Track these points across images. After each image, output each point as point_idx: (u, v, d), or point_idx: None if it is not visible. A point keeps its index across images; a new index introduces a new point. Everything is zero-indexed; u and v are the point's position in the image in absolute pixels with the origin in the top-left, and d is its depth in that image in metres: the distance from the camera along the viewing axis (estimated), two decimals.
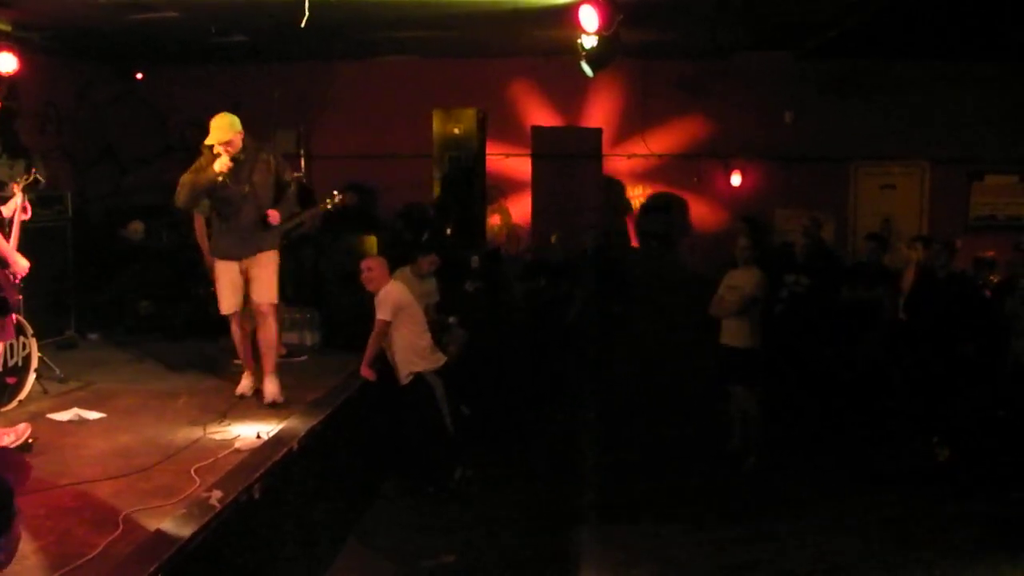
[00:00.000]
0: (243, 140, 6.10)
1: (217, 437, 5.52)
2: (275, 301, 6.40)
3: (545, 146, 11.71)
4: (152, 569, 3.59)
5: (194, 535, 3.96)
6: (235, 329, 6.49)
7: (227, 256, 6.31)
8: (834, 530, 6.33)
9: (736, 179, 11.79)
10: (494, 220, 12.09)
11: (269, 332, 6.37)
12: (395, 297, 6.77)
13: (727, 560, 5.92)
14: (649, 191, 12.09)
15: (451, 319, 8.18)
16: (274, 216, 6.19)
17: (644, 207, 11.93)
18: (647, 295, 10.01)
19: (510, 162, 11.83)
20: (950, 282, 7.77)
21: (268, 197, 6.25)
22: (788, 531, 6.34)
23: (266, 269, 6.32)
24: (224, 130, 6.01)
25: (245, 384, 6.55)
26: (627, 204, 12.17)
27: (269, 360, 6.39)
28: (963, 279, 7.98)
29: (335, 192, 7.62)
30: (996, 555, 5.86)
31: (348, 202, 10.73)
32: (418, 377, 6.84)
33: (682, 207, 12.01)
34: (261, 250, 6.29)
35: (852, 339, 8.57)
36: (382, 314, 6.72)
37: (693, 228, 12.00)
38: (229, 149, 6.01)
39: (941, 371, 7.56)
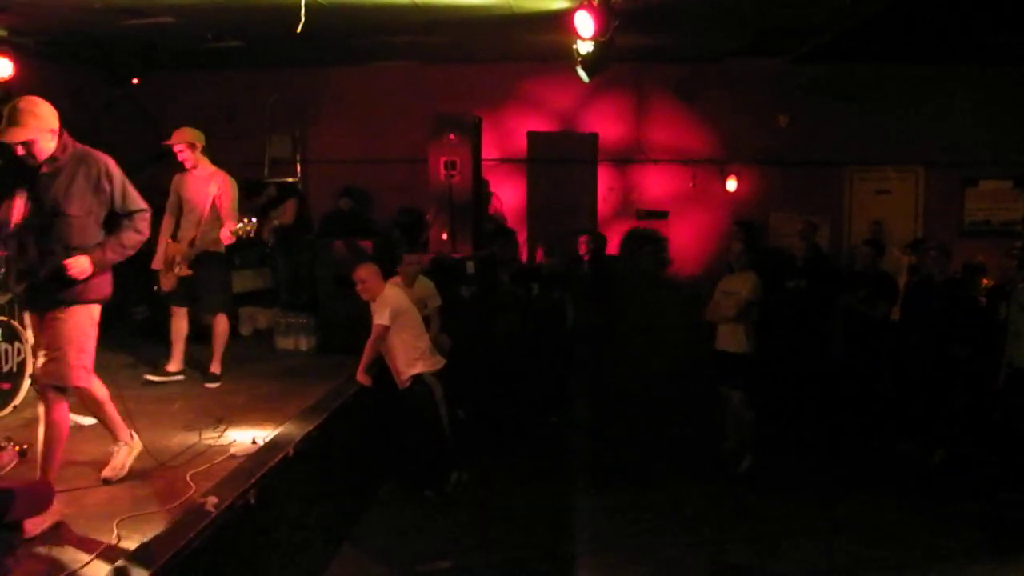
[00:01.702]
0: (58, 142, 4.38)
1: (212, 442, 5.51)
2: (69, 384, 4.48)
3: (541, 151, 11.74)
4: (148, 575, 3.59)
5: (189, 541, 3.95)
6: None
7: (27, 304, 4.61)
8: (830, 532, 6.34)
9: (732, 184, 11.81)
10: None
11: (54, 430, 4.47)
12: (393, 302, 6.76)
13: (724, 561, 5.93)
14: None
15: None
16: (76, 266, 4.28)
17: (640, 212, 11.94)
18: (642, 300, 10.02)
19: None
20: (946, 286, 7.79)
21: (89, 231, 4.39)
22: (784, 532, 6.35)
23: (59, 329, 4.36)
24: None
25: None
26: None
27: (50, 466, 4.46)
28: (958, 283, 7.99)
29: (245, 219, 6.85)
30: (989, 557, 5.89)
31: (343, 206, 10.76)
32: (417, 379, 6.84)
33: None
34: (59, 304, 4.36)
35: (849, 343, 8.58)
36: (380, 319, 6.70)
37: None
38: (24, 151, 4.32)
39: (936, 374, 7.58)
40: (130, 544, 3.93)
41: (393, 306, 6.72)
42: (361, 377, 6.82)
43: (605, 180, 12.10)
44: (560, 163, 11.81)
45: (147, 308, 9.25)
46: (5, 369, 6.04)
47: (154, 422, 5.98)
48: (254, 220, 7.01)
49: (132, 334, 9.04)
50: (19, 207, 4.31)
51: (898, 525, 6.47)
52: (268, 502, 4.86)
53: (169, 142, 7.06)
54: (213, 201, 6.96)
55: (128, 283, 9.39)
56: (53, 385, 4.42)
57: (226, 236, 6.67)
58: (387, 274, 7.23)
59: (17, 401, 6.12)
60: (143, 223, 4.59)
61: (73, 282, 4.32)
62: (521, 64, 11.44)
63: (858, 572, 5.76)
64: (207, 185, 7.00)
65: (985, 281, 8.50)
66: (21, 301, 4.59)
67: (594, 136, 11.80)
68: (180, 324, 7.22)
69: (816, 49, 10.16)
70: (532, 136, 11.74)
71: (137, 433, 5.00)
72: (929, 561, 5.86)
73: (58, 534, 4.08)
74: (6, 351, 6.05)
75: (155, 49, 10.11)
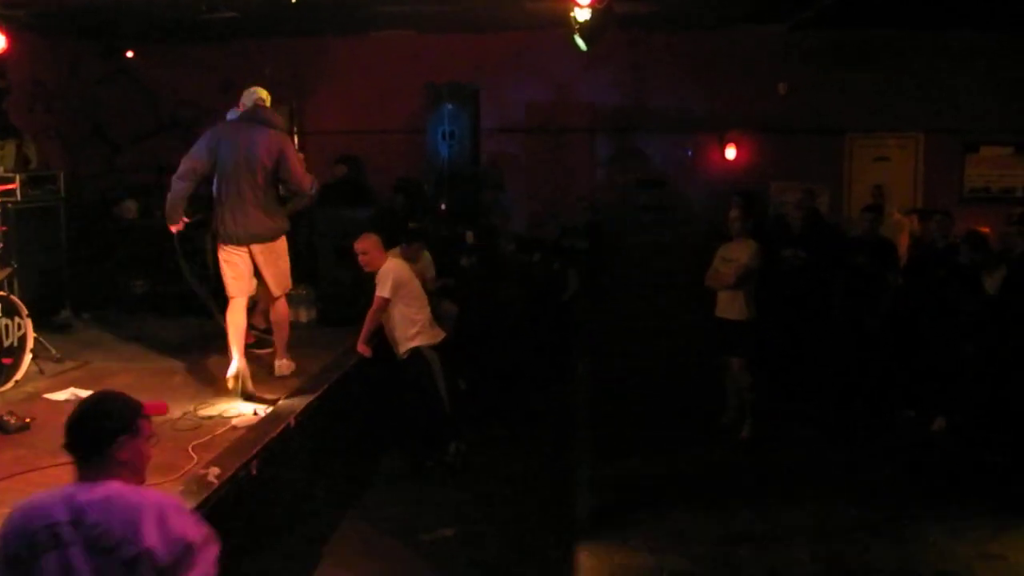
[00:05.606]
0: None
1: (214, 414, 5.53)
2: None
3: (537, 121, 11.70)
4: None
5: (192, 512, 3.96)
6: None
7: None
8: (830, 496, 6.37)
9: (731, 152, 11.75)
10: None
11: None
12: (395, 274, 6.75)
13: (728, 527, 5.96)
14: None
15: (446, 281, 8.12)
16: None
17: (639, 181, 11.88)
18: (641, 269, 10.03)
19: None
20: (947, 253, 7.77)
21: None
22: (785, 498, 6.38)
23: None
24: None
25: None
26: None
27: None
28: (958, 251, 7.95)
29: None
30: (989, 521, 5.92)
31: (338, 173, 10.69)
32: (416, 351, 6.84)
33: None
34: None
35: (851, 311, 8.57)
36: (382, 291, 6.70)
37: None
38: None
39: (936, 341, 7.58)
40: None
41: (395, 278, 6.72)
42: (362, 348, 6.84)
43: (603, 149, 12.06)
44: (557, 132, 11.76)
45: (146, 282, 9.24)
46: (6, 344, 6.05)
47: (156, 395, 5.99)
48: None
49: (131, 307, 9.05)
50: None
51: (898, 490, 6.52)
52: (270, 473, 4.89)
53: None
54: None
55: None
56: None
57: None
58: (388, 243, 7.23)
59: (19, 376, 6.14)
60: None
61: None
62: (519, 33, 11.33)
63: (858, 534, 5.79)
64: None
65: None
66: None
67: (591, 105, 11.69)
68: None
69: (816, 15, 10.06)
70: (529, 106, 11.71)
71: None
72: (929, 524, 5.90)
73: None
74: (6, 326, 6.06)
75: (149, 21, 10.01)
